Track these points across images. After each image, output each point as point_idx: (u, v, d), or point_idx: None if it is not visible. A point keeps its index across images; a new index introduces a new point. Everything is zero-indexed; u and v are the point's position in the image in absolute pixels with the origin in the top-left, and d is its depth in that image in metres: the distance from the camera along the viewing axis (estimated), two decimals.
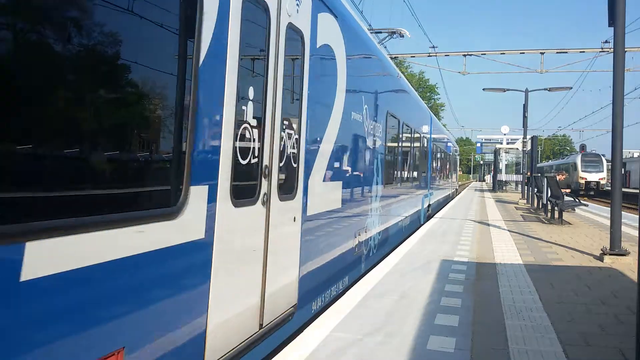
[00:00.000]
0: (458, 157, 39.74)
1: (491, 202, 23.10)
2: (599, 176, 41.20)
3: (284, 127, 3.99)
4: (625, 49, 7.93)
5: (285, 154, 4.03)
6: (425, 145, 15.28)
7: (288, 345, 3.92)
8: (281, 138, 3.92)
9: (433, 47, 25.05)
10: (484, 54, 25.67)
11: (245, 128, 3.38)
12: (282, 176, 3.98)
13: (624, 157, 10.68)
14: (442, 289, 5.82)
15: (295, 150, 4.21)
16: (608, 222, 8.29)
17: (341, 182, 5.80)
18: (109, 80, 2.35)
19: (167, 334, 2.63)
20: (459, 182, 43.35)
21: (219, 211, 3.05)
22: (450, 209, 18.43)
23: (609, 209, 8.21)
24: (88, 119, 2.22)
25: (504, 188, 38.06)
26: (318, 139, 4.92)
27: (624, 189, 8.84)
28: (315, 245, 4.85)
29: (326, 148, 5.16)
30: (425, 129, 15.18)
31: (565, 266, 7.52)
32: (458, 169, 41.31)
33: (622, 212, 8.21)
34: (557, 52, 24.94)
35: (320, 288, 5.10)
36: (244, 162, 3.36)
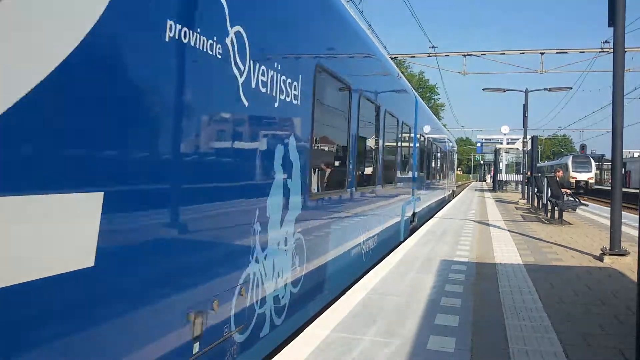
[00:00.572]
0: (456, 155, 36.52)
1: (491, 202, 23.09)
2: (587, 176, 45.39)
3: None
4: (625, 49, 7.92)
5: None
6: (408, 137, 11.78)
7: (288, 345, 3.92)
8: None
9: (433, 47, 25.07)
10: (484, 54, 25.68)
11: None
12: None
13: (624, 157, 10.68)
14: (442, 289, 5.82)
15: None
16: (608, 222, 8.29)
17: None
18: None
19: None
20: (459, 182, 43.18)
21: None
22: (450, 209, 18.41)
23: (609, 209, 8.21)
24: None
25: (504, 188, 38.10)
26: None
27: (624, 189, 8.83)
28: None
29: None
30: (407, 115, 11.38)
31: (565, 266, 7.52)
32: (456, 168, 37.41)
33: (622, 212, 8.21)
34: (557, 52, 24.94)
35: None
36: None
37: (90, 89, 2.11)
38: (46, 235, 1.92)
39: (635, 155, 61.70)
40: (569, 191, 15.69)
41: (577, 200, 14.61)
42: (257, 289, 3.70)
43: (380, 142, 8.42)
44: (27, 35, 1.80)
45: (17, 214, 1.80)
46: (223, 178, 3.21)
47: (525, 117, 24.33)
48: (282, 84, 3.93)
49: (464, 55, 26.06)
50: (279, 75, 3.86)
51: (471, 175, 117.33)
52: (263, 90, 3.61)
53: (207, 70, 2.93)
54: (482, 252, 8.55)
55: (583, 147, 66.02)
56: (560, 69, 26.51)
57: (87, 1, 2.05)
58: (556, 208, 13.85)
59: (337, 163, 6.63)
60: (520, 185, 30.69)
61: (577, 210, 16.23)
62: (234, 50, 3.18)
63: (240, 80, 3.30)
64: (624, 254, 7.80)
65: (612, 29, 7.74)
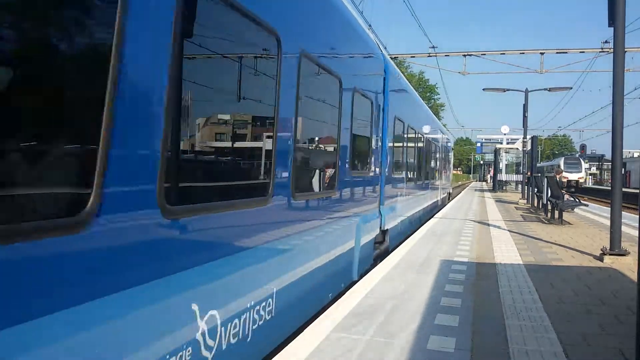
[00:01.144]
0: (451, 151, 30.53)
1: (491, 202, 23.09)
2: (578, 176, 50.32)
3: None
4: (625, 49, 7.92)
5: None
6: (369, 118, 7.66)
7: (288, 345, 3.92)
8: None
9: (433, 47, 25.06)
10: (484, 54, 25.69)
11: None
12: None
13: (624, 157, 10.68)
14: (442, 289, 5.82)
15: None
16: (608, 222, 8.29)
17: None
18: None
19: None
20: (458, 182, 42.85)
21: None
22: (450, 209, 18.41)
23: (609, 209, 8.21)
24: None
25: (504, 188, 38.15)
26: None
27: (624, 189, 8.83)
28: None
29: None
30: (369, 88, 7.56)
31: (565, 266, 7.52)
32: (452, 166, 31.17)
33: (622, 212, 8.21)
34: (557, 52, 24.95)
35: None
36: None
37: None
38: None
39: (635, 155, 62.44)
40: (568, 195, 15.74)
41: (577, 200, 14.62)
42: None
43: (298, 123, 4.58)
44: None
45: None
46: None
47: (525, 117, 24.34)
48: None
49: (464, 55, 26.06)
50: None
51: (471, 175, 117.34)
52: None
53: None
54: (482, 252, 8.55)
55: (583, 147, 66.17)
56: (560, 69, 26.54)
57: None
58: (556, 208, 13.85)
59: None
60: (520, 185, 30.70)
61: (577, 210, 16.24)
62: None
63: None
64: (624, 254, 7.80)
65: (612, 29, 7.74)
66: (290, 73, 4.30)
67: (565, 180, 47.35)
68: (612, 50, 7.94)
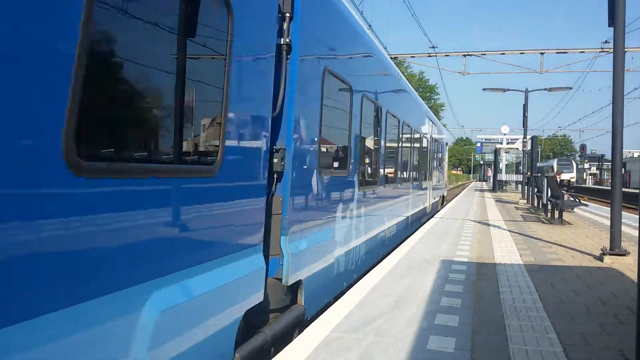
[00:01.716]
0: (445, 145, 24.95)
1: (491, 202, 23.09)
2: (569, 175, 53.90)
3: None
4: (625, 49, 7.92)
5: None
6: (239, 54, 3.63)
7: (288, 346, 3.92)
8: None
9: (433, 47, 25.07)
10: (484, 54, 25.69)
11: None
12: None
13: (624, 157, 10.68)
14: (442, 289, 5.82)
15: None
16: (608, 222, 8.28)
17: None
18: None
19: None
20: (458, 183, 42.69)
21: None
22: (450, 209, 18.41)
23: (609, 208, 8.21)
24: None
25: (504, 188, 38.18)
26: None
27: (624, 189, 8.84)
28: None
29: None
30: None
31: (565, 266, 7.52)
32: (445, 164, 24.94)
33: (622, 212, 8.21)
34: (557, 52, 24.95)
35: None
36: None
37: None
38: None
39: (635, 155, 62.99)
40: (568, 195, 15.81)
41: (577, 200, 14.63)
42: None
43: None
44: None
45: None
46: None
47: (525, 117, 24.35)
48: None
49: (464, 55, 26.06)
50: None
51: (471, 175, 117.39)
52: None
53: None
54: (482, 252, 8.55)
55: (583, 147, 66.30)
56: (560, 69, 26.55)
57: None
58: (556, 208, 13.85)
59: None
60: (520, 185, 30.72)
61: (577, 210, 16.25)
62: None
63: None
64: (624, 254, 7.80)
65: (612, 29, 7.75)
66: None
67: (559, 179, 50.97)
68: (612, 50, 7.94)
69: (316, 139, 5.26)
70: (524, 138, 26.09)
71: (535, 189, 18.61)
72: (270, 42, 4.19)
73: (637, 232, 3.19)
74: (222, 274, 3.35)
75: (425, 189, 15.46)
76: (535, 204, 19.00)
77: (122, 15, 2.55)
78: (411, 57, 29.49)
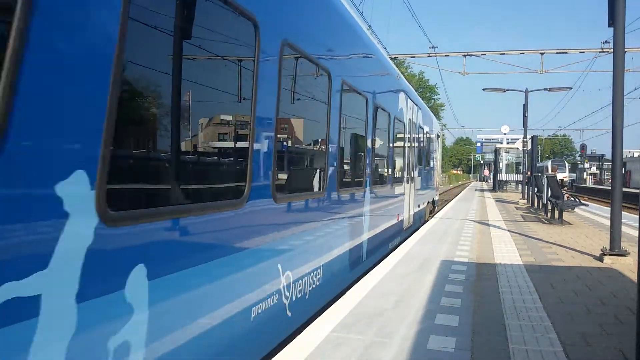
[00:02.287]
0: (438, 139, 20.03)
1: (491, 202, 23.09)
2: (562, 175, 55.76)
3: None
4: (625, 49, 7.93)
5: None
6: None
7: (288, 346, 3.92)
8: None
9: (433, 47, 25.06)
10: (484, 54, 25.67)
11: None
12: None
13: (624, 157, 10.68)
14: (442, 289, 5.82)
15: None
16: (608, 222, 8.29)
17: None
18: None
19: None
20: (458, 183, 42.59)
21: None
22: (450, 209, 18.41)
23: (609, 208, 8.22)
24: None
25: (504, 188, 38.19)
26: None
27: (624, 189, 8.83)
28: None
29: None
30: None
31: (565, 266, 7.52)
32: (437, 161, 19.73)
33: (622, 212, 8.22)
34: (557, 52, 24.93)
35: None
36: None
37: None
38: None
39: (635, 155, 63.25)
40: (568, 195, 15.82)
41: (577, 200, 14.63)
42: None
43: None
44: None
45: None
46: None
47: (525, 117, 24.35)
48: None
49: (464, 55, 26.05)
50: None
51: (471, 175, 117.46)
52: None
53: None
54: (482, 252, 8.55)
55: (583, 147, 66.39)
56: (560, 69, 26.52)
57: None
58: (556, 208, 13.85)
59: None
60: (520, 185, 30.72)
61: (577, 210, 16.25)
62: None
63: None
64: (624, 254, 7.80)
65: (612, 29, 7.75)
66: None
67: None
68: (612, 50, 7.94)
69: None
70: (524, 138, 26.08)
71: (535, 189, 18.61)
72: None
73: (637, 232, 3.20)
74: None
75: (401, 195, 10.90)
76: (535, 204, 19.01)
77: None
78: (411, 57, 29.48)
